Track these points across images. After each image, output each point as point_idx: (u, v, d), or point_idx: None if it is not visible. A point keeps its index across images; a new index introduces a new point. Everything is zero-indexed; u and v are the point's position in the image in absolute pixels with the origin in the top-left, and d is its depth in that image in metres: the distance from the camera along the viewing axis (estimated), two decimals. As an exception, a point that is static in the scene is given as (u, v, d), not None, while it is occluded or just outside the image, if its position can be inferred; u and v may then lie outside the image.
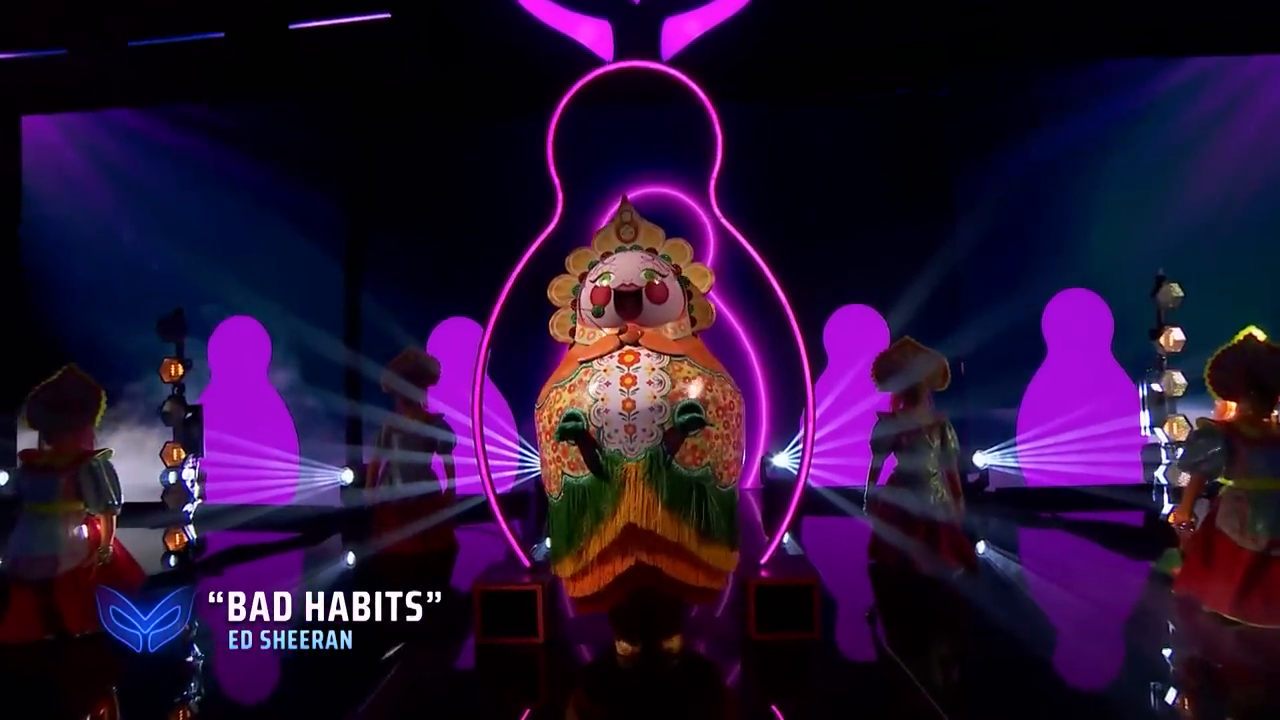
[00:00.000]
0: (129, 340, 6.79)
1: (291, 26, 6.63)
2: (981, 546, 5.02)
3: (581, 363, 2.92)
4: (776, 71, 7.23)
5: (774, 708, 2.86)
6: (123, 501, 3.78)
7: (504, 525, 3.48)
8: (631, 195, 3.32)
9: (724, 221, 3.46)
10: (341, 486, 7.02)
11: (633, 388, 2.79)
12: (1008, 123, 7.08)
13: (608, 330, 2.97)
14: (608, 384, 2.81)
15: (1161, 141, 6.99)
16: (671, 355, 2.88)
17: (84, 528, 3.71)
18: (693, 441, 2.80)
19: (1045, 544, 5.63)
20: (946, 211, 7.43)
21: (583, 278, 3.14)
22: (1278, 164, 6.89)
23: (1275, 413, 3.51)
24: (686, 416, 2.75)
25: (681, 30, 6.72)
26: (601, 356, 2.89)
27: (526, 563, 3.46)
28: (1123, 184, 7.01)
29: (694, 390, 2.82)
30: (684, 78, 3.42)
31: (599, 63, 3.65)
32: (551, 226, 3.43)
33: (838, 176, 7.54)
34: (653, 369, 2.83)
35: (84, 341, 7.06)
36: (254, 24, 6.68)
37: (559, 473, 2.89)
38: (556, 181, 3.44)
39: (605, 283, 2.98)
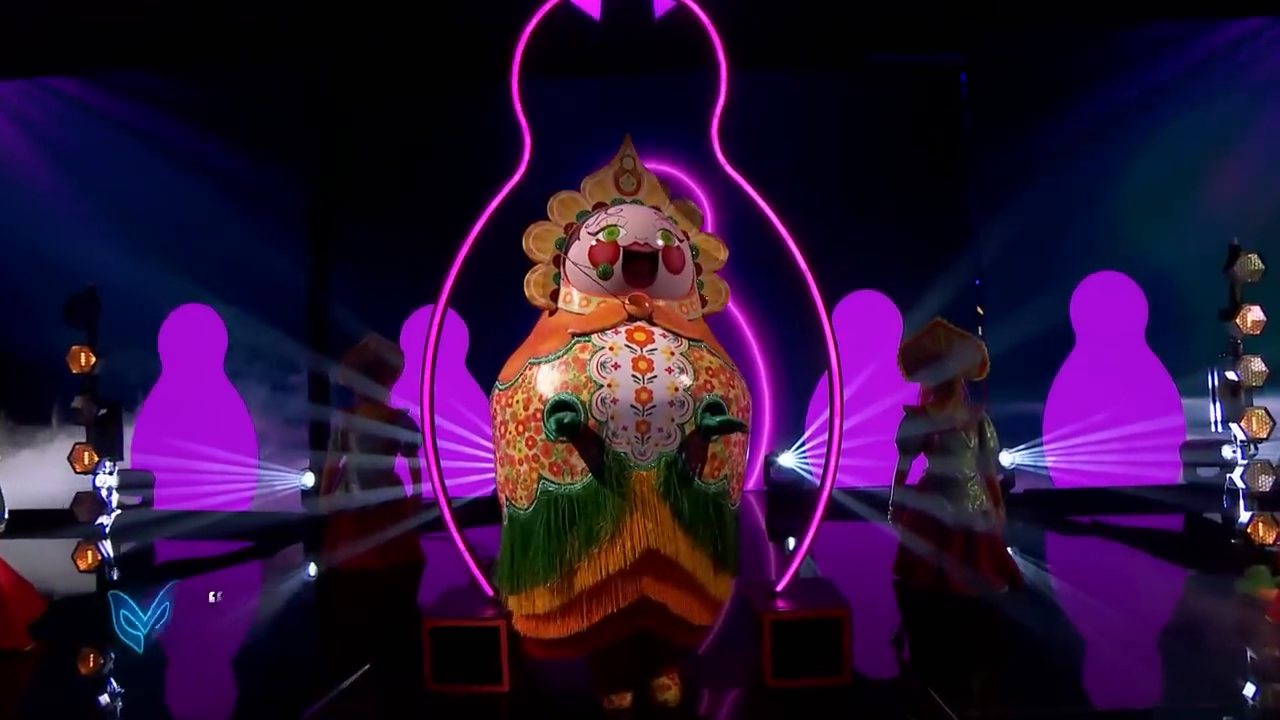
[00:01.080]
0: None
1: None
2: (1018, 558, 4.40)
3: (575, 336, 2.33)
4: (782, 36, 6.58)
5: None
6: (5, 517, 3.14)
7: (460, 542, 2.82)
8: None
9: (730, 171, 2.81)
10: (303, 491, 6.38)
11: (649, 374, 2.22)
12: (1034, 92, 6.48)
13: (607, 298, 2.40)
14: (616, 366, 2.23)
15: (1205, 111, 6.38)
16: (690, 339, 2.36)
17: None
18: (712, 449, 2.27)
19: (1085, 553, 5.03)
20: (965, 188, 6.85)
21: (568, 229, 2.55)
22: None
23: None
24: (719, 419, 2.22)
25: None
26: (604, 330, 2.31)
27: (490, 590, 2.77)
28: (1160, 158, 6.41)
29: (718, 375, 2.33)
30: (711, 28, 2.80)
31: (587, 21, 3.10)
32: (518, 176, 2.76)
33: (847, 150, 6.95)
34: (671, 353, 2.28)
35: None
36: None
37: (534, 476, 2.28)
38: (523, 121, 2.78)
39: (613, 237, 2.42)
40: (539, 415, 2.25)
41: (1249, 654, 3.02)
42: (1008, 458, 6.22)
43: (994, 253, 6.65)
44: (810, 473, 6.49)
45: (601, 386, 2.22)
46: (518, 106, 2.79)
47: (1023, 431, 6.42)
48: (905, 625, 3.54)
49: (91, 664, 3.19)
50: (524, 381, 2.33)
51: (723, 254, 2.69)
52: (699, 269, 2.63)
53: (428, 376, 2.79)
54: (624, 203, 2.60)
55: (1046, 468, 6.41)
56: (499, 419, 2.40)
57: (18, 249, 6.89)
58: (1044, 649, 3.10)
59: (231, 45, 6.58)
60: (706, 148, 2.84)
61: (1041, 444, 6.47)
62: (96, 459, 4.06)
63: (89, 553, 3.99)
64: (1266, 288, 4.14)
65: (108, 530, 4.19)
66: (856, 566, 4.32)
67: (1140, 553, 4.87)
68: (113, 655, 3.28)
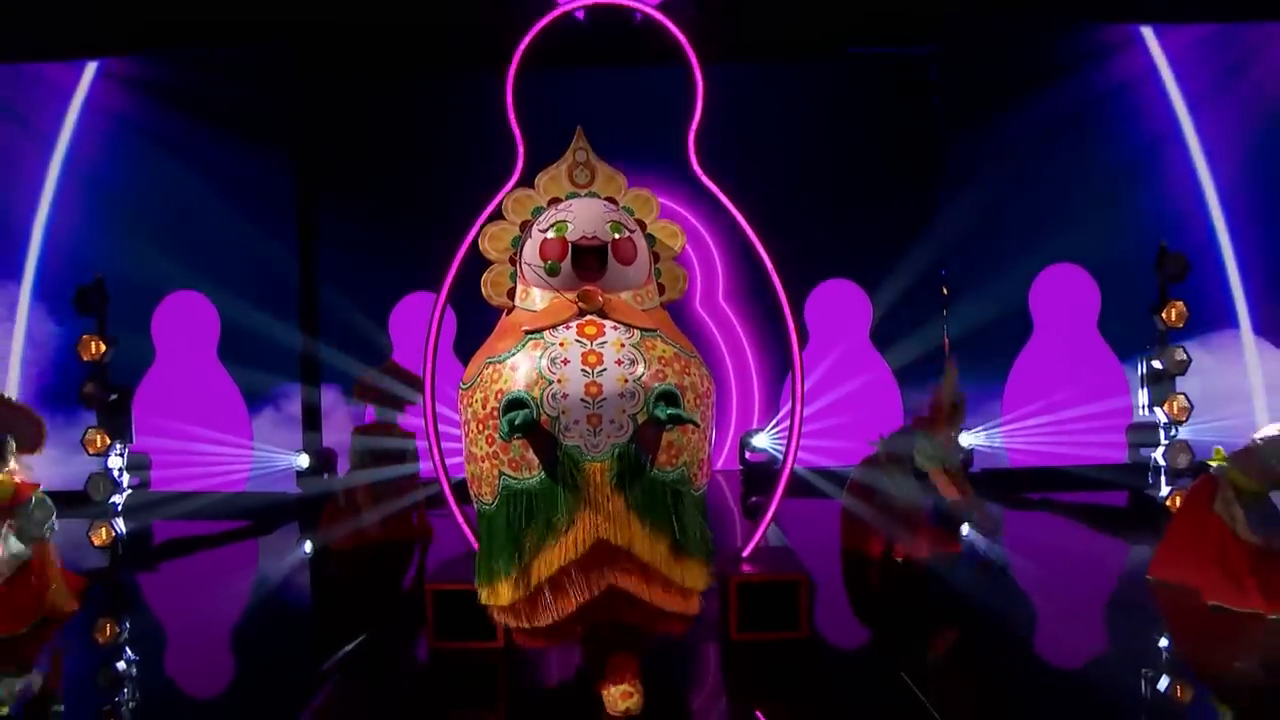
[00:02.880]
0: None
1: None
2: (965, 528, 4.82)
3: (527, 333, 2.36)
4: (752, 26, 6.81)
5: (758, 714, 2.59)
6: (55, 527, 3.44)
7: (458, 514, 3.12)
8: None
9: (706, 181, 3.10)
10: (297, 472, 6.62)
11: (599, 368, 2.24)
12: (999, 86, 6.79)
13: (559, 294, 2.43)
14: (566, 362, 2.25)
15: (1156, 110, 6.76)
16: (642, 330, 2.36)
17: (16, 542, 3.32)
18: (669, 437, 2.31)
19: (1032, 526, 5.45)
20: (933, 181, 7.16)
21: (524, 227, 2.60)
22: (1276, 135, 6.70)
23: None
24: (669, 411, 2.22)
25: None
26: (555, 327, 2.34)
27: None
28: (1114, 154, 6.78)
29: (671, 364, 2.33)
30: (659, 15, 3.03)
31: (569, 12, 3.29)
32: (511, 182, 2.93)
33: (822, 141, 7.22)
34: (622, 345, 2.29)
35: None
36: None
37: (495, 472, 2.34)
38: (517, 131, 2.99)
39: (562, 233, 2.43)
40: (496, 413, 2.29)
41: (1145, 611, 3.45)
42: (966, 438, 6.63)
43: (958, 243, 7.00)
44: (781, 452, 6.85)
45: (552, 383, 2.24)
46: (512, 118, 3.03)
47: (982, 413, 6.83)
48: (859, 589, 3.92)
49: (115, 632, 3.48)
50: (481, 381, 2.37)
51: (679, 241, 2.71)
52: (656, 257, 2.65)
53: (429, 369, 3.06)
54: (578, 196, 2.62)
55: (1003, 447, 6.84)
56: (463, 418, 2.45)
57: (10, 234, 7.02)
58: (981, 610, 3.49)
59: (216, 31, 6.68)
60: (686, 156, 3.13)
61: (999, 425, 6.88)
62: (109, 441, 4.29)
63: (104, 530, 4.26)
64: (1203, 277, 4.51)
65: (119, 509, 4.43)
66: (821, 539, 4.69)
67: (1083, 526, 5.29)
68: (130, 625, 3.59)
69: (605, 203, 2.60)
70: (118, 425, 4.33)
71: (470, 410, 2.40)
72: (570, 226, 2.44)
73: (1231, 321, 6.80)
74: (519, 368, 2.29)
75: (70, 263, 6.89)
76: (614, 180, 2.69)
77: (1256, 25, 6.81)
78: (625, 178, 2.70)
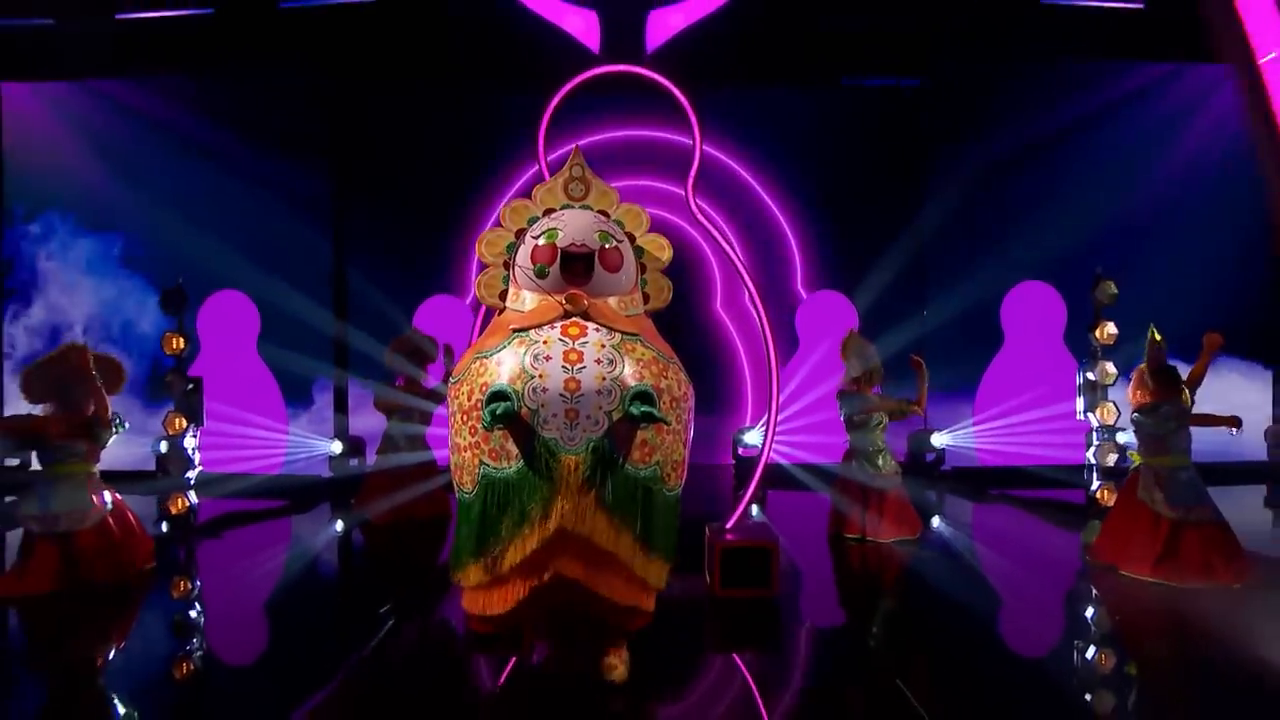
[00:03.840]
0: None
1: (282, 6, 6.72)
2: (936, 521, 5.49)
3: (515, 331, 2.47)
4: (754, 59, 7.47)
5: (735, 656, 3.17)
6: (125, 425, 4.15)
7: None
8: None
9: (702, 220, 3.60)
10: (330, 457, 7.28)
11: (578, 365, 2.35)
12: (977, 118, 7.45)
13: (547, 296, 2.55)
14: (548, 359, 2.37)
15: (1114, 143, 7.42)
16: (624, 333, 2.48)
17: (104, 491, 4.00)
18: (643, 435, 2.42)
19: (991, 517, 6.11)
20: (916, 202, 7.80)
21: (519, 234, 2.71)
22: (1220, 169, 7.34)
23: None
24: (643, 409, 2.33)
25: (665, 23, 6.94)
26: (540, 326, 2.46)
27: None
28: (1077, 182, 7.43)
29: (648, 366, 2.43)
30: (668, 83, 3.67)
31: (585, 51, 3.86)
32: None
33: (820, 164, 7.87)
34: (602, 345, 2.41)
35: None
36: (244, 2, 6.76)
37: (476, 462, 2.43)
38: (544, 170, 3.42)
39: (552, 240, 2.56)
40: (479, 406, 2.37)
41: (1078, 584, 4.11)
42: (939, 438, 7.30)
43: (938, 261, 7.65)
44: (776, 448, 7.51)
45: (534, 377, 2.35)
46: (544, 169, 3.62)
47: (956, 416, 7.49)
48: (830, 562, 4.58)
49: (187, 589, 4.16)
50: (469, 375, 2.46)
51: (666, 254, 2.80)
52: (643, 268, 2.76)
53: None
54: (571, 208, 2.74)
55: (973, 448, 7.49)
56: (450, 410, 2.54)
57: (65, 237, 7.70)
58: (934, 582, 4.16)
59: (258, 52, 7.34)
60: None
61: (971, 427, 7.53)
62: (185, 424, 4.97)
63: (180, 499, 4.95)
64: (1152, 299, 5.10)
65: (192, 482, 5.10)
66: (802, 523, 5.37)
67: (1037, 518, 5.93)
68: (201, 584, 4.26)
69: (596, 214, 2.71)
70: (193, 410, 5.00)
71: (456, 402, 2.49)
72: (561, 234, 2.57)
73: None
74: (504, 363, 2.40)
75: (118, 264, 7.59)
76: (607, 195, 2.80)
77: (1210, 66, 7.46)
78: (618, 193, 2.82)
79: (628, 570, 2.44)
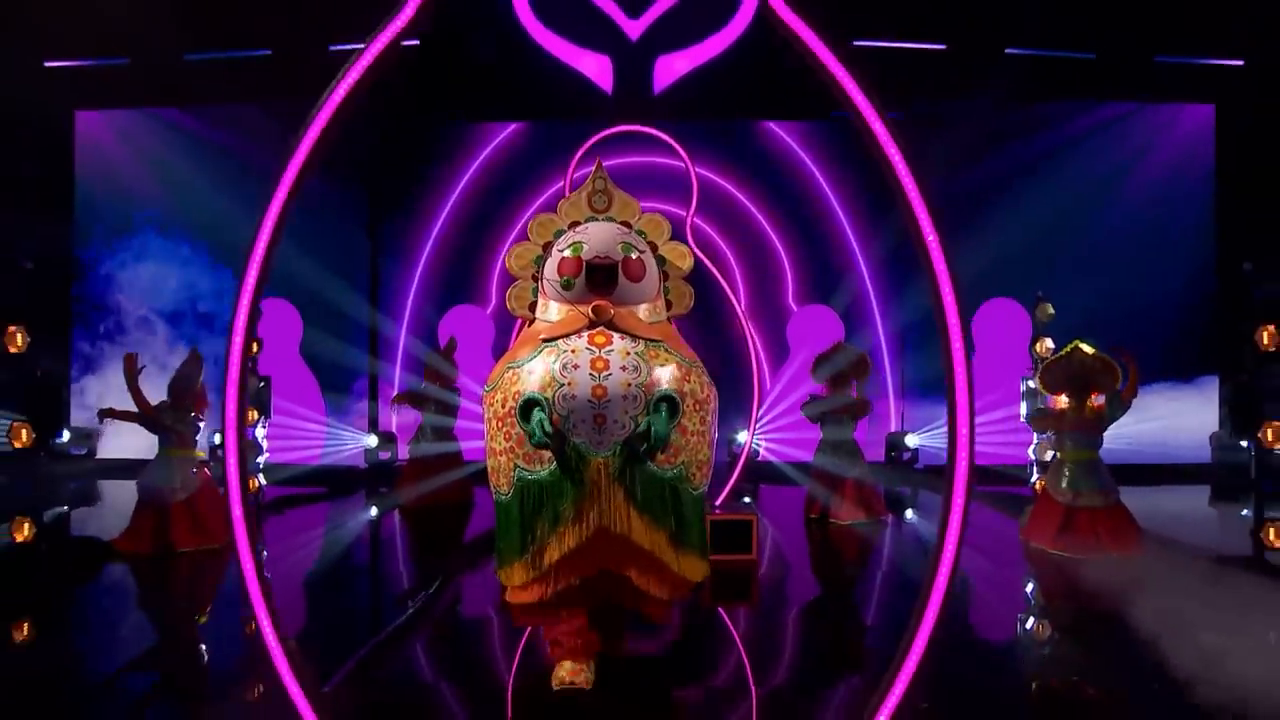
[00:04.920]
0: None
1: (332, 49, 7.60)
2: (910, 513, 6.34)
3: (544, 341, 2.58)
4: (751, 95, 8.31)
5: (720, 609, 3.88)
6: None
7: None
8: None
9: (700, 256, 3.77)
10: (365, 449, 8.13)
11: (605, 373, 2.47)
12: (955, 151, 8.31)
13: (574, 307, 2.64)
14: (576, 367, 2.48)
15: (1072, 176, 8.28)
16: (647, 340, 2.58)
17: (196, 471, 4.85)
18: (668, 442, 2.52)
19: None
20: (896, 226, 8.60)
21: (546, 247, 2.83)
22: (1167, 199, 8.18)
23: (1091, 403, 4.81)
24: (647, 442, 2.44)
25: (671, 68, 7.81)
26: (568, 335, 2.56)
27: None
28: (1041, 211, 8.26)
29: (666, 377, 2.53)
30: (673, 141, 4.51)
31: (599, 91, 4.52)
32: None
33: (813, 189, 8.71)
34: (627, 353, 2.51)
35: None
36: (299, 45, 7.66)
37: (511, 465, 2.55)
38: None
39: (577, 253, 2.66)
40: (514, 414, 2.50)
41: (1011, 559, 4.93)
42: (914, 439, 8.11)
43: (915, 280, 8.46)
44: (760, 446, 8.32)
45: (563, 385, 2.45)
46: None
47: (930, 419, 8.30)
48: (802, 538, 5.40)
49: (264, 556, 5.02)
50: (502, 384, 2.57)
51: (687, 262, 2.89)
52: (666, 276, 2.85)
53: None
54: (595, 220, 2.82)
55: (945, 448, 8.28)
56: (485, 417, 2.64)
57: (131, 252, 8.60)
58: (893, 557, 4.99)
59: (310, 88, 8.21)
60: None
61: (941, 428, 8.32)
62: (257, 416, 5.83)
63: (252, 482, 5.80)
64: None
65: (260, 467, 5.96)
66: (784, 509, 6.19)
67: (990, 508, 6.71)
68: (267, 554, 5.07)
69: (619, 226, 2.80)
70: (263, 404, 5.87)
71: (491, 410, 2.59)
72: (585, 247, 2.66)
73: (1150, 357, 8.27)
74: (535, 371, 2.50)
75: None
76: (629, 206, 2.87)
77: (1160, 107, 8.30)
78: (640, 204, 2.91)
79: (665, 566, 2.53)
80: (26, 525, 4.87)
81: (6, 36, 7.09)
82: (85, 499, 6.61)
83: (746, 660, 3.22)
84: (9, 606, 3.82)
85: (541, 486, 2.49)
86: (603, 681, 2.66)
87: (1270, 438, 4.84)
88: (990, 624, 3.80)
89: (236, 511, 1.90)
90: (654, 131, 4.52)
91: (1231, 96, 8.15)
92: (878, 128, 1.81)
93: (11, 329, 4.64)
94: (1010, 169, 8.28)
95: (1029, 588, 4.42)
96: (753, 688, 2.91)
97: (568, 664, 2.65)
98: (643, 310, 2.68)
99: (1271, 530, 4.88)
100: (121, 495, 6.22)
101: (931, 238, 1.85)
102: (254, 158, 8.42)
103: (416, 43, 7.89)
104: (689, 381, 2.57)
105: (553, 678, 2.64)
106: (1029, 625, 3.84)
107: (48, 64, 7.96)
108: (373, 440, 8.07)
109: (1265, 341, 4.91)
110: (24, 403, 4.63)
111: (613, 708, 2.60)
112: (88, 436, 7.87)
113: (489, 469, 2.64)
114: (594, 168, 2.87)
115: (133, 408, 4.80)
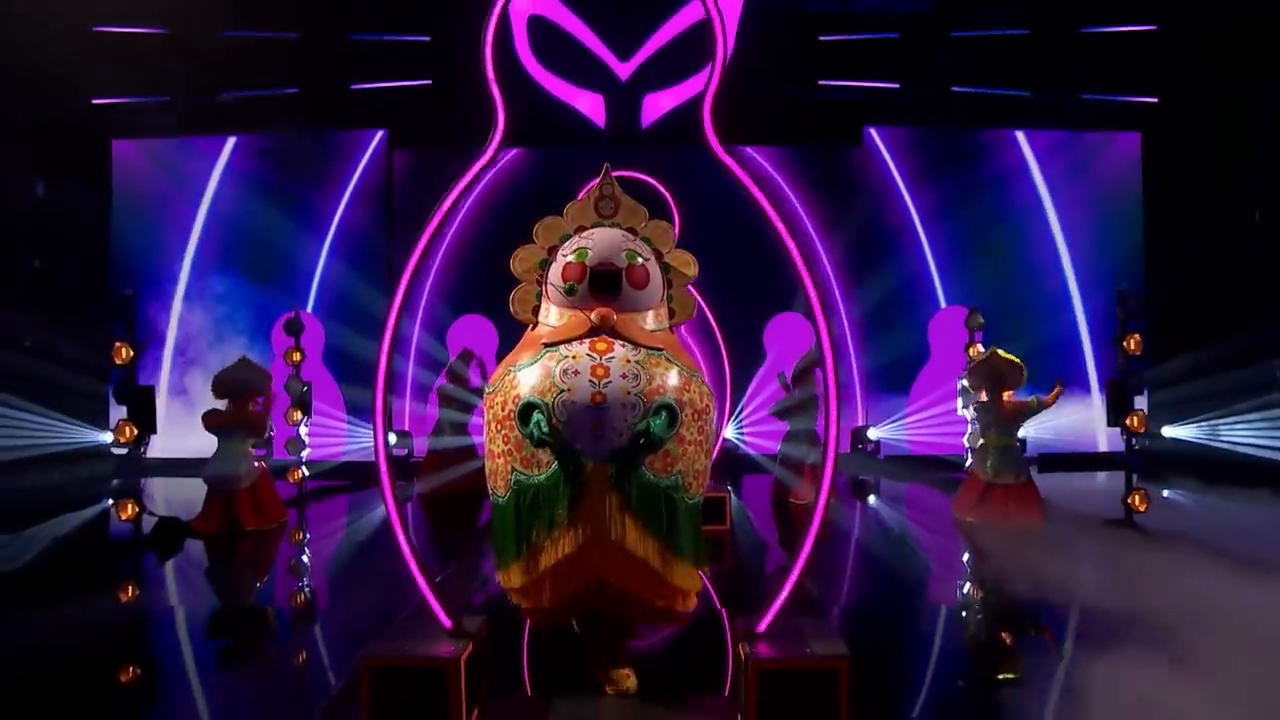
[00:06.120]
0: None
1: (353, 87, 8.52)
2: (872, 499, 7.30)
3: (546, 345, 2.60)
4: (729, 124, 9.25)
5: (699, 572, 4.87)
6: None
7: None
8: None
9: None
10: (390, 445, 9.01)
11: (605, 380, 2.48)
12: (909, 173, 9.34)
13: (577, 312, 2.66)
14: (576, 373, 2.49)
15: (1016, 197, 9.33)
16: (648, 348, 2.60)
17: (255, 463, 5.76)
18: (666, 447, 2.52)
19: (910, 491, 7.94)
20: (861, 243, 9.62)
21: (551, 251, 2.81)
22: (1101, 218, 9.24)
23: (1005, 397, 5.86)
24: (645, 438, 2.46)
25: (657, 104, 8.77)
26: (569, 341, 2.58)
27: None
28: (993, 226, 9.30)
29: (666, 386, 2.53)
30: (655, 183, 5.46)
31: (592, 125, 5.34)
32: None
33: (779, 208, 9.60)
34: (628, 360, 2.53)
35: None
36: (324, 84, 8.57)
37: (509, 468, 2.56)
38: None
39: (582, 259, 2.69)
40: (513, 416, 2.51)
41: (944, 529, 5.93)
42: (875, 432, 9.09)
43: (876, 290, 9.47)
44: (741, 441, 9.29)
45: (562, 390, 2.46)
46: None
47: (891, 413, 9.31)
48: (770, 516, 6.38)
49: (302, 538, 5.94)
50: (503, 386, 2.58)
51: (692, 270, 2.87)
52: (670, 284, 2.84)
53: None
54: (601, 225, 2.80)
55: (905, 439, 9.30)
56: (485, 419, 2.66)
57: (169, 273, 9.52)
58: (847, 526, 5.99)
59: (334, 122, 9.14)
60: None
61: (904, 423, 9.33)
62: (301, 415, 6.74)
63: (297, 472, 6.71)
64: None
65: (304, 460, 6.86)
66: (761, 494, 7.17)
67: (933, 489, 7.70)
68: (309, 536, 5.98)
69: (624, 232, 2.79)
70: (306, 405, 6.77)
71: (491, 412, 2.61)
72: (590, 252, 2.68)
73: (1080, 361, 9.34)
74: (535, 375, 2.52)
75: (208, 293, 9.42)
76: (636, 213, 2.86)
77: (1097, 133, 9.36)
78: (646, 211, 2.89)
79: (658, 575, 2.54)
80: (130, 505, 5.76)
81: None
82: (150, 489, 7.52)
83: (715, 596, 4.17)
84: (122, 570, 4.86)
85: (538, 490, 2.52)
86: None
87: (1135, 424, 5.89)
88: (913, 570, 5.00)
89: (385, 484, 2.80)
90: (644, 178, 5.46)
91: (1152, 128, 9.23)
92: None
93: (117, 344, 5.50)
94: (957, 192, 9.32)
95: (947, 548, 5.57)
96: (724, 616, 3.87)
97: (619, 670, 2.72)
98: (646, 318, 2.71)
99: (1136, 497, 5.94)
100: (172, 488, 7.17)
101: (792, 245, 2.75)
102: (286, 186, 9.35)
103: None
104: (689, 391, 2.59)
105: (606, 685, 2.70)
106: (937, 571, 5.08)
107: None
108: (392, 438, 8.94)
109: (1131, 347, 5.94)
110: (130, 408, 5.51)
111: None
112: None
113: (487, 471, 2.67)
114: (601, 174, 2.87)
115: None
